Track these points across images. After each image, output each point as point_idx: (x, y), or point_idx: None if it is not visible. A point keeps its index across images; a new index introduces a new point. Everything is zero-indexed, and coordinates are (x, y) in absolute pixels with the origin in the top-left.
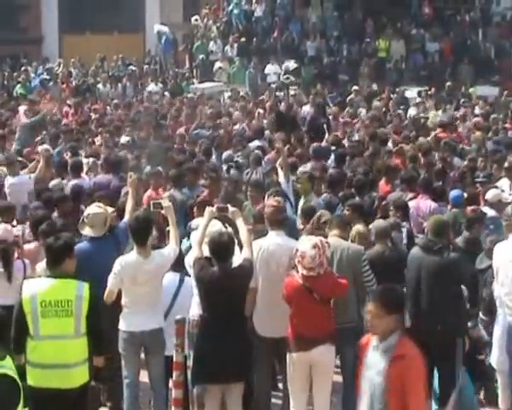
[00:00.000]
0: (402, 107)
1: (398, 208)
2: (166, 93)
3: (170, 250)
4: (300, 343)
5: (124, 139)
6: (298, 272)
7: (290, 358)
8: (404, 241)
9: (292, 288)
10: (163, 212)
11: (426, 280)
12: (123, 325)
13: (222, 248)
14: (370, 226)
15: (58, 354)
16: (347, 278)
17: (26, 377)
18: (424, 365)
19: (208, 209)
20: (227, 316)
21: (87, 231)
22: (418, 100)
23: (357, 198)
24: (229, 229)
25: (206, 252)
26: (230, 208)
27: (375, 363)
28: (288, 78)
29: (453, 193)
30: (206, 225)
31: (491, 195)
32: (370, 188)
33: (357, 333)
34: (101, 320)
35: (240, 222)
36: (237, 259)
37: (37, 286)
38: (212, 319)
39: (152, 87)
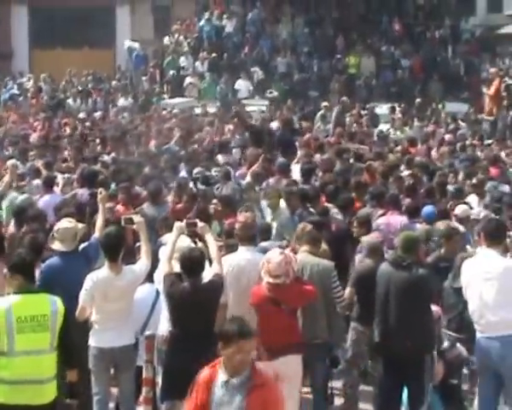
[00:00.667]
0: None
1: (361, 224)
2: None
3: (141, 266)
4: (266, 353)
5: (107, 157)
6: (264, 281)
7: None
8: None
9: (258, 297)
10: (134, 227)
11: (394, 296)
12: (93, 341)
13: (193, 263)
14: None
15: (33, 370)
16: (316, 290)
17: None
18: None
19: (177, 224)
20: (197, 332)
21: (57, 246)
22: (389, 116)
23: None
24: (199, 244)
25: (176, 267)
26: (199, 223)
27: (227, 401)
28: (271, 92)
29: (426, 209)
30: (174, 241)
31: (460, 210)
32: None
33: (326, 349)
34: (71, 334)
35: (209, 237)
36: (207, 274)
37: (11, 302)
38: (181, 335)
39: (122, 102)
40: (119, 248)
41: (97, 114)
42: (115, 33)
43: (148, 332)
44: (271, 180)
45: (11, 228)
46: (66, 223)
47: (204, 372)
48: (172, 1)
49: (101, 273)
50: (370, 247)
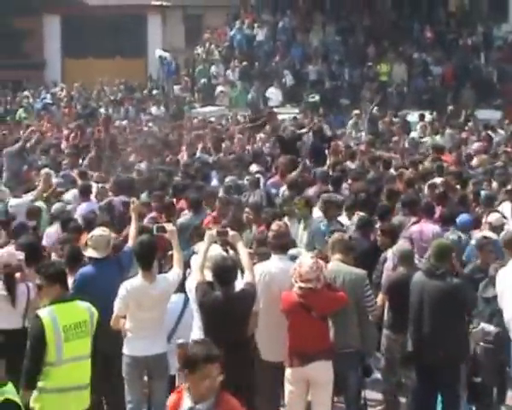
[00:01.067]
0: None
1: (385, 234)
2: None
3: (174, 275)
4: (296, 359)
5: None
6: (295, 288)
7: (287, 374)
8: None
9: (288, 302)
10: (166, 235)
11: (428, 305)
12: (126, 350)
13: (225, 272)
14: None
15: (77, 376)
16: (348, 298)
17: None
18: None
19: (208, 233)
20: (229, 340)
21: (90, 253)
22: (420, 124)
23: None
24: (231, 252)
25: (208, 276)
26: (230, 232)
27: None
28: (313, 96)
29: (461, 218)
30: (206, 250)
31: (494, 218)
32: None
33: (359, 357)
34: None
35: (240, 246)
36: (239, 283)
37: (54, 313)
38: (214, 344)
39: (154, 111)
40: (152, 256)
41: (124, 123)
42: (147, 42)
43: (180, 341)
44: (312, 189)
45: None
46: (100, 231)
47: (171, 398)
48: (204, 10)
49: (135, 282)
50: (401, 254)
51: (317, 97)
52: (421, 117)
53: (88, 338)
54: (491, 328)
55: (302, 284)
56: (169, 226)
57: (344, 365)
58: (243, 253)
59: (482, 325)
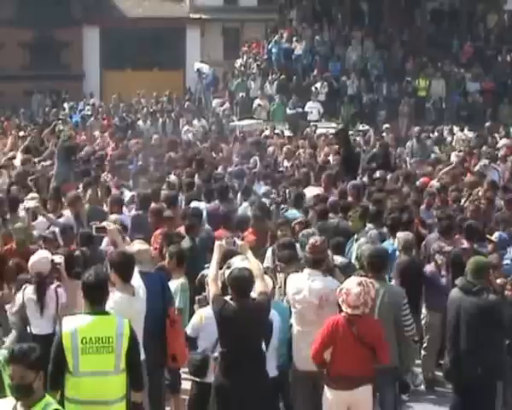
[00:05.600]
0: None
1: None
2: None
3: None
4: (341, 382)
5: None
6: (342, 310)
7: (328, 396)
8: None
9: (335, 328)
10: (107, 235)
11: (465, 322)
12: None
13: (243, 283)
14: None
15: (98, 391)
16: (387, 315)
17: None
18: None
19: (218, 244)
20: (247, 352)
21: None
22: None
23: None
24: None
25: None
26: (238, 242)
27: None
28: (363, 125)
29: (498, 234)
30: (218, 260)
31: None
32: None
33: (396, 374)
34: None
35: (250, 256)
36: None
37: (78, 323)
38: (231, 355)
39: (195, 123)
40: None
41: (155, 137)
42: (185, 55)
43: (216, 354)
44: None
45: None
46: (140, 245)
47: None
48: (242, 23)
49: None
50: (404, 242)
51: (366, 127)
52: (450, 132)
53: (111, 355)
54: None
55: (349, 311)
56: (110, 226)
57: (381, 381)
58: (253, 262)
59: None
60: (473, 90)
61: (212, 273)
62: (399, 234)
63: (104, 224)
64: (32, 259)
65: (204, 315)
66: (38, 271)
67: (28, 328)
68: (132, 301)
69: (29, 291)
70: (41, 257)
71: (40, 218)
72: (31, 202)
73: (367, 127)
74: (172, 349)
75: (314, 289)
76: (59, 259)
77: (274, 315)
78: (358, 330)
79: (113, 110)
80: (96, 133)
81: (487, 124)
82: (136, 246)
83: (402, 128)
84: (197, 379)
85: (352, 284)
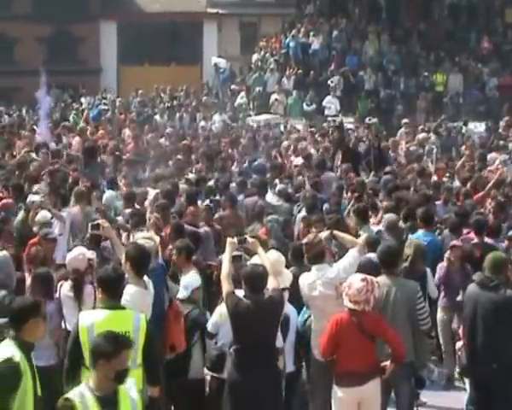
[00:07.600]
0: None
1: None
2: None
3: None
4: (350, 379)
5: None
6: (345, 305)
7: (338, 394)
8: None
9: (339, 323)
10: (102, 232)
11: (482, 317)
12: None
13: (256, 279)
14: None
15: None
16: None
17: None
18: None
19: (229, 240)
20: (260, 348)
21: None
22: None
23: None
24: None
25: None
26: (249, 239)
27: None
28: (370, 119)
29: None
30: (230, 257)
31: None
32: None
33: (412, 369)
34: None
35: (261, 252)
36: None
37: (94, 318)
38: (245, 351)
39: (216, 118)
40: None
41: (168, 130)
42: (202, 49)
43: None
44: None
45: None
46: (143, 239)
47: None
48: (259, 18)
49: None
50: (389, 223)
51: (374, 120)
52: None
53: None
54: None
55: (350, 305)
56: (104, 223)
57: (396, 376)
58: (265, 259)
59: None
60: (490, 85)
61: (224, 270)
62: (386, 215)
63: (99, 221)
64: (69, 255)
65: (224, 312)
66: (75, 267)
67: (63, 324)
68: (145, 294)
69: (66, 288)
70: (78, 253)
71: (42, 212)
72: (35, 196)
73: (374, 120)
74: (171, 339)
75: (326, 282)
76: (91, 254)
77: (291, 310)
78: (362, 325)
79: (133, 105)
80: (126, 131)
81: (506, 118)
82: (140, 240)
83: (419, 123)
84: (215, 374)
85: (356, 278)
